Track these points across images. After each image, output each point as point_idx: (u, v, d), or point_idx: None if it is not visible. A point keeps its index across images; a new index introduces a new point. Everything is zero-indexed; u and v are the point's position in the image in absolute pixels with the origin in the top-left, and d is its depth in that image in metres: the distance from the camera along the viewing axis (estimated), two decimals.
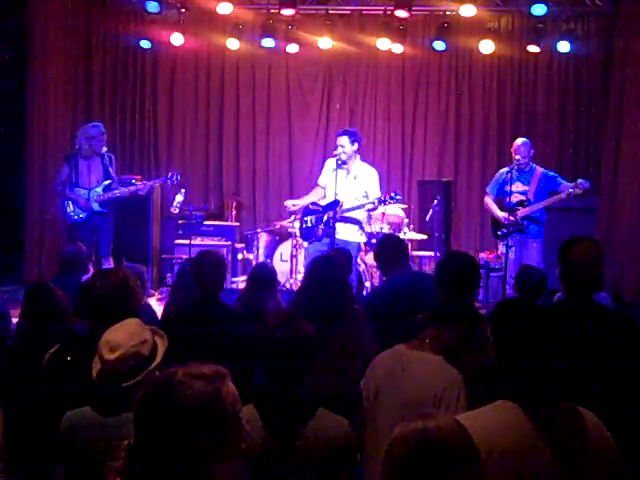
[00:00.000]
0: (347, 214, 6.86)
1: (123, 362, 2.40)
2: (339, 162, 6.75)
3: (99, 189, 7.09)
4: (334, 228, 6.74)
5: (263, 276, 5.14)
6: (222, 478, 1.68)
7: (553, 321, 2.16)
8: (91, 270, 6.95)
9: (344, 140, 6.83)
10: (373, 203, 6.80)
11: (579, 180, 6.65)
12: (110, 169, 7.20)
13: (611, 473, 2.04)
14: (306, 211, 7.28)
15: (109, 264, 7.05)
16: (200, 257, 4.15)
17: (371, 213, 7.38)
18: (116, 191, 7.14)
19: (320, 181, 7.26)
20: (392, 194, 6.81)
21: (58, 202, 7.34)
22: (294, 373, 2.45)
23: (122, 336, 2.44)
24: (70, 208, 7.10)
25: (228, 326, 3.68)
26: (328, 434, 2.39)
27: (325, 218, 6.90)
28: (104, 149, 7.20)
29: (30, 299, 3.85)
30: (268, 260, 8.26)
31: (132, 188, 7.26)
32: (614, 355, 2.88)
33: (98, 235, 7.14)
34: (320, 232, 6.98)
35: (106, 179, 7.16)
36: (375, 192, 7.00)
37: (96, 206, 7.10)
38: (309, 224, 7.16)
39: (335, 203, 6.79)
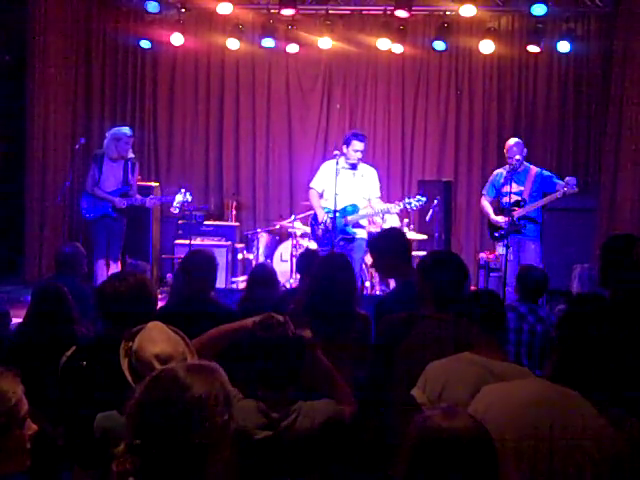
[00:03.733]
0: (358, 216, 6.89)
1: None
2: (351, 164, 6.74)
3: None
4: (342, 230, 6.71)
5: (263, 276, 5.12)
6: (220, 467, 1.71)
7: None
8: (102, 266, 7.09)
9: (363, 145, 6.85)
10: (398, 205, 6.84)
11: (567, 178, 6.76)
12: (130, 175, 7.28)
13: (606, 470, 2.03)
14: (315, 217, 7.13)
15: (117, 268, 7.09)
16: (190, 256, 4.17)
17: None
18: (135, 197, 7.31)
19: (317, 185, 7.10)
20: (418, 197, 6.87)
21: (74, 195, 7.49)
22: (276, 374, 2.52)
23: (168, 346, 2.42)
24: (86, 206, 7.20)
25: (220, 323, 3.67)
26: (315, 417, 2.48)
27: (342, 224, 6.79)
28: (130, 154, 7.30)
29: (38, 300, 3.82)
30: (268, 260, 8.26)
31: (143, 202, 7.42)
32: None
33: (110, 238, 7.21)
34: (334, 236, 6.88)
35: (124, 184, 7.23)
36: (376, 191, 7.03)
37: (109, 209, 7.19)
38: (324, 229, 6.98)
39: (353, 207, 6.76)
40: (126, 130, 7.41)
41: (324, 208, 6.96)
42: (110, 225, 7.22)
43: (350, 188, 6.79)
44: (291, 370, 2.54)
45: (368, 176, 6.98)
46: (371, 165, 7.32)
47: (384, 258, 4.12)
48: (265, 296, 4.84)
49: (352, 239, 6.80)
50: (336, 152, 6.84)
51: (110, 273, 6.67)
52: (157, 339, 2.45)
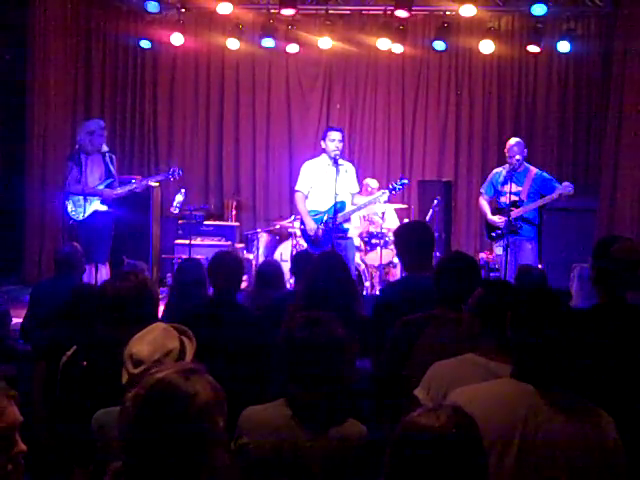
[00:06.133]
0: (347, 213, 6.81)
1: None
2: (336, 158, 6.64)
3: (101, 187, 7.00)
4: (338, 229, 6.65)
5: (270, 273, 5.08)
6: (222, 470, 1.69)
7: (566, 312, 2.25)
8: (87, 270, 6.89)
9: (340, 135, 6.78)
10: (385, 192, 6.77)
11: (564, 183, 6.76)
12: (112, 167, 7.10)
13: (602, 473, 2.06)
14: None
15: (106, 270, 6.80)
16: (219, 258, 4.00)
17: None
18: (118, 189, 7.07)
19: (302, 187, 6.88)
20: (400, 180, 6.81)
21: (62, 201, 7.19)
22: (322, 376, 2.43)
23: (146, 349, 2.40)
24: (71, 207, 6.98)
25: (244, 328, 3.62)
26: (351, 441, 2.41)
27: (325, 218, 6.74)
28: (105, 148, 7.11)
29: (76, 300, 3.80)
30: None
31: (131, 187, 7.17)
32: None
33: (97, 237, 6.88)
34: (321, 232, 6.79)
35: (108, 177, 7.08)
36: (356, 187, 7.02)
37: (98, 204, 7.00)
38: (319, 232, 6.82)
39: (341, 204, 6.70)
40: (99, 122, 7.17)
41: (311, 211, 6.83)
42: (99, 223, 6.90)
43: (334, 185, 6.64)
44: (329, 369, 2.45)
45: (350, 171, 6.89)
46: (371, 165, 7.31)
47: (404, 251, 4.04)
48: (271, 293, 4.80)
49: (344, 237, 6.73)
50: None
51: (100, 277, 6.53)
52: (144, 340, 2.44)
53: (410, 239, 3.96)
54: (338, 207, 6.62)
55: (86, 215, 6.85)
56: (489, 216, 7.02)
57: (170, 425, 1.62)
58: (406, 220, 8.29)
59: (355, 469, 2.39)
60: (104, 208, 6.93)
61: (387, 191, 6.83)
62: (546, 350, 2.15)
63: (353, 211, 6.83)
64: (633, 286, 3.04)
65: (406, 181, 6.94)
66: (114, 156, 7.25)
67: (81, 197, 6.83)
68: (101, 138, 7.02)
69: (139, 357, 2.39)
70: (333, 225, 6.57)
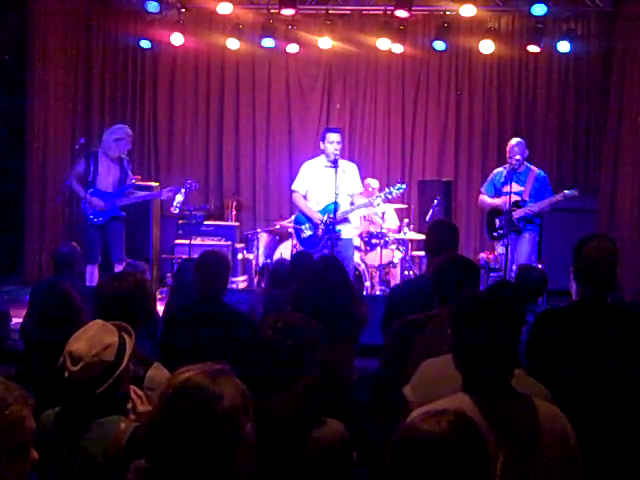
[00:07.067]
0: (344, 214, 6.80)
1: (87, 373, 2.37)
2: (337, 159, 6.61)
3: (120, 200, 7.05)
4: (334, 230, 6.62)
5: (284, 273, 5.04)
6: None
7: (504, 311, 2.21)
8: (93, 271, 6.95)
9: (339, 137, 6.77)
10: (379, 197, 6.78)
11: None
12: (130, 173, 7.19)
13: (567, 468, 2.06)
14: (298, 220, 7.01)
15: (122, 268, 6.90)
16: (204, 257, 4.03)
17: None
18: (138, 194, 7.18)
19: (299, 187, 6.91)
20: (398, 185, 6.79)
21: (74, 195, 7.28)
22: (282, 378, 2.33)
23: (83, 346, 2.40)
24: (90, 210, 7.01)
25: (230, 327, 3.65)
26: (327, 440, 2.31)
27: (325, 218, 6.76)
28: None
29: (44, 299, 3.80)
30: (269, 260, 8.25)
31: (152, 194, 7.28)
32: (625, 355, 2.88)
33: (112, 239, 7.06)
34: (321, 232, 6.78)
35: (124, 182, 7.13)
36: (358, 187, 7.01)
37: (116, 210, 7.05)
38: (310, 231, 6.87)
39: (334, 205, 6.67)
40: (127, 129, 7.30)
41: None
42: (113, 227, 7.05)
43: (333, 186, 6.56)
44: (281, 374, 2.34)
45: (349, 172, 6.86)
46: (371, 165, 7.29)
47: (427, 246, 4.23)
48: (286, 293, 4.75)
49: (338, 239, 6.72)
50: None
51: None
52: (82, 337, 2.44)
53: (428, 238, 4.17)
54: (330, 208, 6.61)
55: (107, 219, 7.01)
56: (492, 201, 6.98)
57: (194, 425, 1.62)
58: (406, 220, 8.30)
59: (333, 470, 2.31)
60: (121, 212, 7.11)
61: (382, 194, 6.83)
62: (486, 352, 2.11)
63: (347, 212, 6.83)
64: (609, 285, 3.02)
65: (404, 186, 6.91)
66: (128, 159, 7.34)
67: (98, 202, 6.96)
68: (128, 145, 7.16)
69: (78, 354, 2.38)
70: (332, 226, 6.57)
